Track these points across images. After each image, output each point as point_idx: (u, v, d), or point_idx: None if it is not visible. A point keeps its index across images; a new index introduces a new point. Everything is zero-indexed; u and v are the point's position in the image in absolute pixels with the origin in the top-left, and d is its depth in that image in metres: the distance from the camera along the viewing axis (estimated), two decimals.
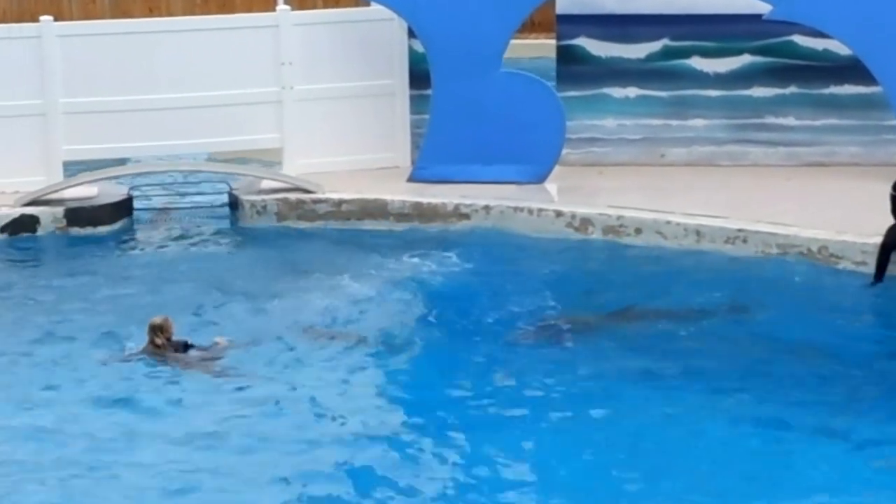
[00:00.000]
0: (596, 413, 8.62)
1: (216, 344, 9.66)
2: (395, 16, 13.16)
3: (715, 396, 8.80)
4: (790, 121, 13.46)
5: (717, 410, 8.61)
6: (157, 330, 9.56)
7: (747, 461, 7.93)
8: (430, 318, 10.34)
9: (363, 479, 7.75)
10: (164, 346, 9.50)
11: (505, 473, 7.86)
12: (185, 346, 9.58)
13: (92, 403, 8.80)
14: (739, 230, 11.58)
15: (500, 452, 8.13)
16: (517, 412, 8.70)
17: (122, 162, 13.59)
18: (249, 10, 16.23)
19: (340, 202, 12.65)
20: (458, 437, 8.36)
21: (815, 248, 11.25)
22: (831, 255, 11.20)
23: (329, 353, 9.61)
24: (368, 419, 8.53)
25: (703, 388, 8.93)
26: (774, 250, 11.38)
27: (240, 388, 9.04)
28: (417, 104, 13.52)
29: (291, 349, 9.65)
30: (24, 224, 12.31)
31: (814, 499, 7.48)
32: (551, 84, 13.30)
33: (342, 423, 8.47)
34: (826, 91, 13.39)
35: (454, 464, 8.02)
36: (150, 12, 18.08)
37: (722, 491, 7.58)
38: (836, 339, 9.83)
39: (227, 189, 13.12)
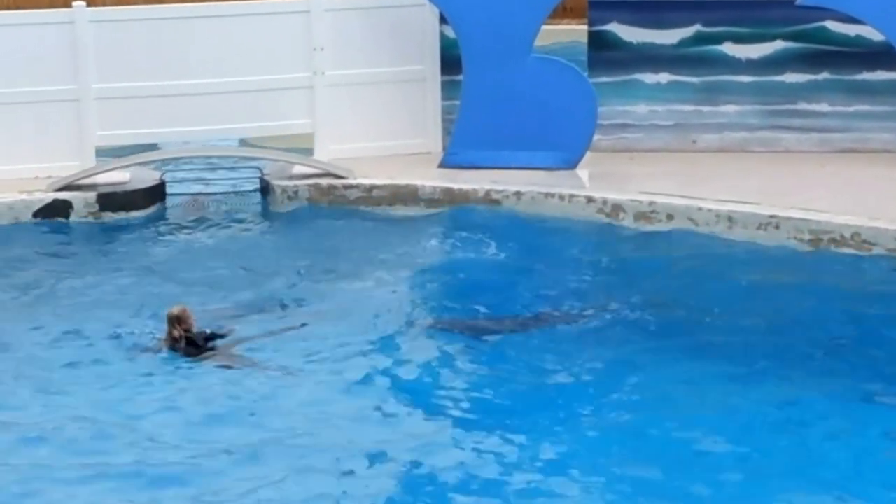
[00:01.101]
0: (620, 396, 8.62)
1: (231, 330, 9.55)
2: (426, 1, 13.15)
3: (744, 380, 8.79)
4: (823, 107, 13.41)
5: (745, 393, 8.59)
6: (174, 321, 9.35)
7: (779, 447, 7.91)
8: (459, 304, 10.34)
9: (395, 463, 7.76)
10: (180, 338, 9.29)
11: (531, 456, 7.87)
12: (207, 338, 9.38)
13: (105, 396, 8.74)
14: (771, 216, 11.54)
15: (525, 435, 8.16)
16: (539, 395, 8.70)
17: (154, 147, 13.65)
18: None
19: (371, 188, 12.66)
20: (491, 420, 8.37)
21: (847, 235, 11.21)
22: (864, 241, 11.15)
23: (360, 340, 9.60)
24: (404, 403, 8.54)
25: (732, 372, 8.92)
26: (807, 236, 11.34)
27: (268, 380, 8.98)
28: (449, 90, 13.52)
29: (323, 336, 9.65)
30: (57, 209, 12.37)
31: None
32: (583, 70, 13.28)
33: (382, 409, 8.46)
34: (859, 77, 13.33)
35: (485, 444, 8.06)
36: None
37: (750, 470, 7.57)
38: (868, 325, 9.80)
39: (259, 174, 13.16)
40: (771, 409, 8.41)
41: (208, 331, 9.48)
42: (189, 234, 12.21)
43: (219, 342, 9.44)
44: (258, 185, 13.09)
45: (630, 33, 13.51)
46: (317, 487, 7.53)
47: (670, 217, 11.87)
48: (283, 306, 10.25)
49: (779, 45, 13.39)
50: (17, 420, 8.40)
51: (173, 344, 9.35)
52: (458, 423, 8.34)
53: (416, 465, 7.80)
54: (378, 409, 8.49)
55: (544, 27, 13.11)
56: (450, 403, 8.61)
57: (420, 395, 8.70)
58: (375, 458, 7.85)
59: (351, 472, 7.67)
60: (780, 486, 7.43)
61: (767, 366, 9.06)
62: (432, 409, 8.52)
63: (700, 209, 11.81)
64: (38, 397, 8.79)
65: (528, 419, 8.39)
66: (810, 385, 8.79)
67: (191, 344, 9.31)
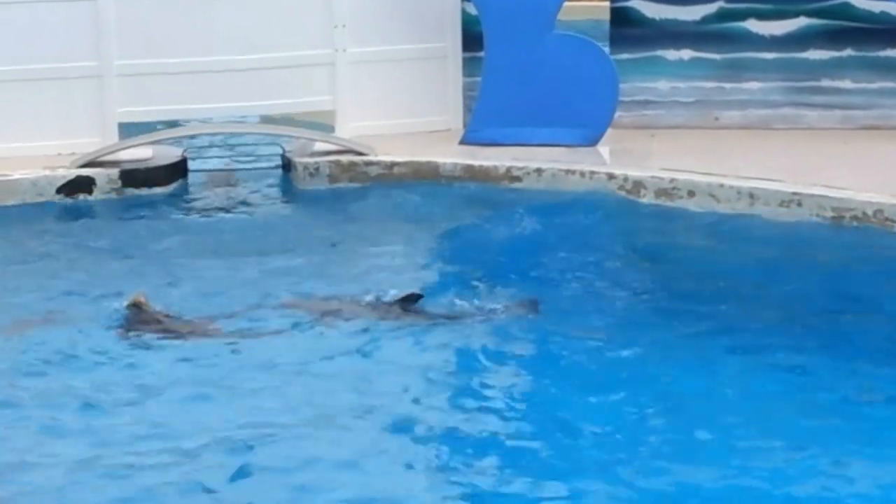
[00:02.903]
0: (636, 370, 8.61)
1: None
2: None
3: (763, 357, 8.76)
4: (846, 84, 13.36)
5: (764, 369, 8.58)
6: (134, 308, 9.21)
7: (798, 424, 7.90)
8: (478, 279, 10.34)
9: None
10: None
11: (542, 428, 7.87)
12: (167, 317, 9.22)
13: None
14: (794, 193, 11.51)
15: (535, 404, 8.20)
16: (554, 368, 8.70)
17: (176, 124, 13.69)
18: None
19: (392, 165, 12.67)
20: (503, 396, 8.38)
21: (870, 212, 11.17)
22: (887, 218, 11.11)
23: (378, 315, 9.59)
24: (416, 381, 8.53)
25: (751, 349, 8.88)
26: (829, 213, 11.31)
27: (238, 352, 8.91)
28: (470, 67, 13.51)
29: (342, 311, 9.64)
30: (80, 185, 12.41)
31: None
32: (605, 46, 13.25)
33: (391, 388, 8.45)
34: (882, 54, 13.28)
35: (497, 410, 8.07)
36: None
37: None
38: (891, 302, 9.76)
39: (280, 151, 13.18)
40: (790, 386, 8.39)
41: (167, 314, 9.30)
42: (210, 209, 12.25)
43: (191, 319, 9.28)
44: (279, 162, 13.11)
45: (652, 10, 13.48)
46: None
47: (692, 194, 11.85)
48: (301, 280, 10.26)
49: (802, 21, 13.34)
50: (33, 394, 8.43)
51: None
52: (470, 400, 8.33)
53: (429, 436, 7.79)
54: (396, 390, 8.49)
55: (566, 3, 13.09)
56: (467, 382, 8.60)
57: (431, 370, 8.68)
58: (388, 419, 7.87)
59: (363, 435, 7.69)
60: (797, 463, 7.43)
61: (787, 343, 9.02)
62: (439, 384, 8.50)
63: (722, 186, 11.78)
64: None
65: (540, 391, 8.41)
66: (831, 363, 8.75)
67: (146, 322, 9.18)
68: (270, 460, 7.40)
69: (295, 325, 9.28)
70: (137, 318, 9.16)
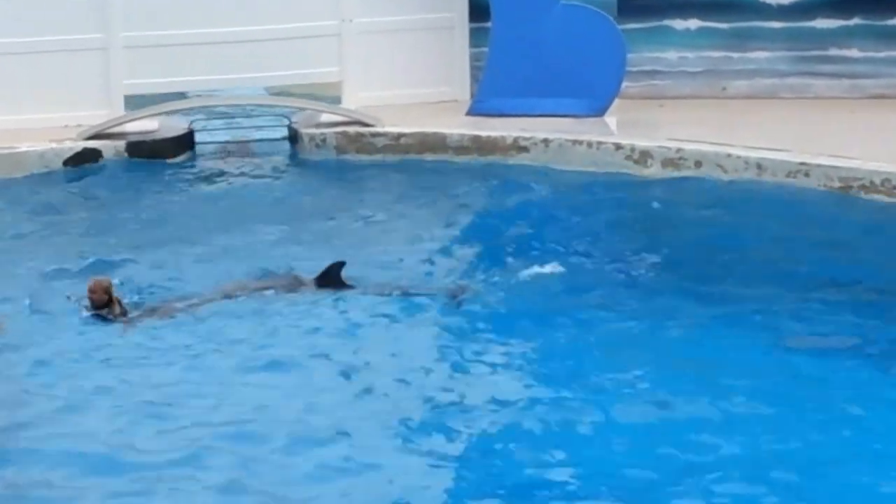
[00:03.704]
0: (643, 341, 8.61)
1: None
2: None
3: (770, 327, 8.76)
4: (853, 52, 13.31)
5: (771, 340, 8.57)
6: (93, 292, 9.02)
7: (806, 397, 7.91)
8: (486, 251, 10.34)
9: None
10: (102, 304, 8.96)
11: (546, 401, 7.87)
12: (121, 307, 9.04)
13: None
14: (801, 163, 11.48)
15: (541, 378, 8.19)
16: (560, 338, 8.71)
17: (182, 96, 13.67)
18: None
19: (399, 136, 12.65)
20: (512, 366, 8.39)
21: (878, 181, 11.14)
22: (894, 187, 11.08)
23: (385, 289, 9.58)
24: (419, 356, 8.53)
25: (758, 320, 8.87)
26: (836, 183, 11.28)
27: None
28: (476, 37, 13.48)
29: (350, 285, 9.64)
30: (87, 157, 12.41)
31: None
32: (612, 16, 13.21)
33: (399, 365, 8.45)
34: (890, 22, 13.23)
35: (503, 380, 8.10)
36: None
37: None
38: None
39: (287, 122, 13.17)
40: (797, 357, 8.39)
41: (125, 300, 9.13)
42: (217, 181, 12.24)
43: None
44: (286, 134, 13.10)
45: None
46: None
47: (699, 164, 11.82)
48: (307, 252, 10.25)
49: None
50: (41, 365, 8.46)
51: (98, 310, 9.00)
52: (470, 370, 8.34)
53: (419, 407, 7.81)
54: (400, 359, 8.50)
55: None
56: (461, 353, 8.59)
57: (432, 343, 8.68)
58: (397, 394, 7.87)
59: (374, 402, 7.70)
60: (804, 437, 7.44)
61: (795, 314, 9.02)
62: (445, 358, 8.51)
63: (729, 156, 11.75)
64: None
65: (547, 362, 8.41)
66: (839, 334, 8.75)
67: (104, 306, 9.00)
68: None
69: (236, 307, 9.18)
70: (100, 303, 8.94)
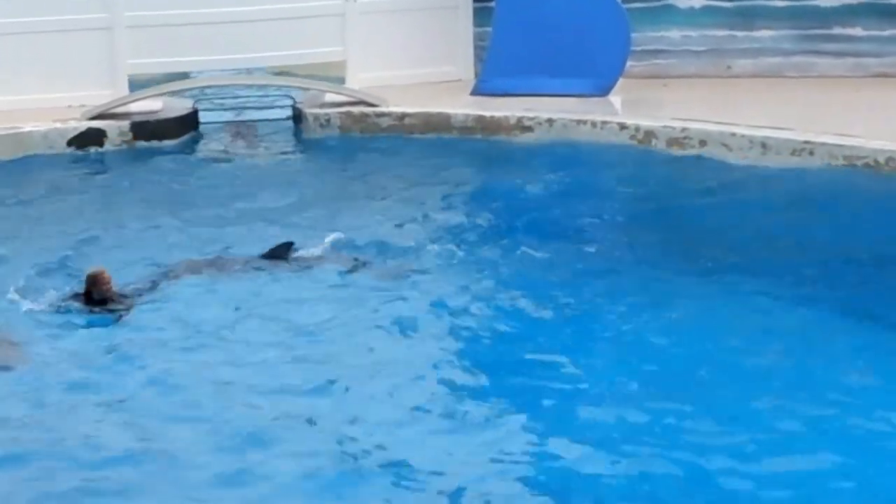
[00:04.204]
0: (647, 318, 8.62)
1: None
2: None
3: (773, 304, 8.76)
4: (857, 31, 13.29)
5: (773, 316, 8.59)
6: (91, 282, 8.76)
7: (810, 371, 7.94)
8: (490, 231, 10.34)
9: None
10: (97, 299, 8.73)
11: (552, 377, 7.90)
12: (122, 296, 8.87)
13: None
14: (805, 142, 11.47)
15: (546, 354, 8.20)
16: (563, 317, 8.73)
17: (186, 76, 13.67)
18: None
19: (403, 116, 12.65)
20: (519, 341, 8.41)
21: (882, 160, 11.13)
22: None
23: (389, 266, 9.59)
24: (426, 333, 8.54)
25: (762, 296, 8.88)
26: (841, 162, 11.27)
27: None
28: (480, 17, 13.46)
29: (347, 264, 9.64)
30: (91, 137, 12.41)
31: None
32: None
33: (409, 338, 8.47)
34: (894, 1, 13.20)
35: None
36: None
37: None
38: None
39: (291, 102, 13.16)
40: (801, 332, 8.41)
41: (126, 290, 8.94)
42: (221, 162, 12.25)
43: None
44: (290, 114, 13.10)
45: None
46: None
47: (703, 143, 11.82)
48: (311, 231, 10.25)
49: None
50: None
51: (87, 302, 8.76)
52: (476, 345, 8.38)
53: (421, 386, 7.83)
54: (408, 335, 8.50)
55: None
56: (469, 329, 8.62)
57: (438, 321, 8.69)
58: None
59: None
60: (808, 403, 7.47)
61: (798, 290, 9.03)
62: (451, 332, 8.53)
63: (733, 135, 11.74)
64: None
65: (553, 339, 8.42)
66: (841, 309, 8.75)
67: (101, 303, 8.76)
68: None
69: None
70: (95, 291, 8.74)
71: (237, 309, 8.78)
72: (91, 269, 8.91)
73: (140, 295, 8.95)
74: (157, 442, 7.13)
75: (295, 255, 9.54)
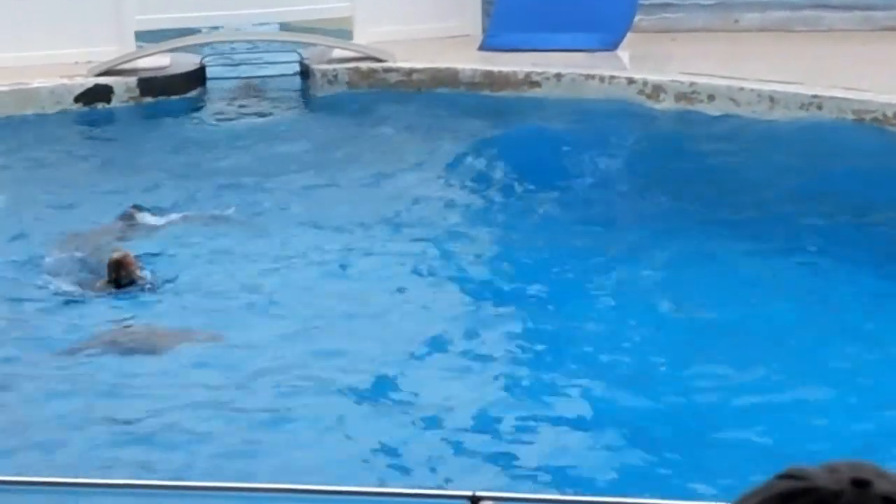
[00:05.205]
0: (654, 273, 8.65)
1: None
2: None
3: (781, 258, 8.79)
4: None
5: (782, 269, 8.61)
6: (114, 267, 8.48)
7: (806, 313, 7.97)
8: (497, 185, 10.34)
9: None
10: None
11: (553, 326, 7.95)
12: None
13: None
14: (814, 96, 11.43)
15: (549, 305, 8.26)
16: (567, 269, 8.74)
17: (193, 32, 13.63)
18: None
19: (411, 71, 12.61)
20: (527, 297, 8.44)
21: (890, 114, 11.09)
22: None
23: (395, 228, 9.59)
24: (434, 289, 8.56)
25: (770, 250, 8.90)
26: (849, 116, 11.24)
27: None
28: None
29: (359, 222, 9.64)
30: (98, 94, 12.39)
31: None
32: None
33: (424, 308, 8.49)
34: None
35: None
36: None
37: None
38: None
39: (299, 58, 13.13)
40: (806, 283, 8.42)
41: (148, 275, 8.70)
42: (228, 117, 12.24)
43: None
44: (297, 70, 13.07)
45: None
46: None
47: (711, 98, 11.78)
48: (318, 190, 10.27)
49: None
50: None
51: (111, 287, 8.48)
52: (488, 296, 8.40)
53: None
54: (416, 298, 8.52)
55: None
56: (472, 280, 8.65)
57: (445, 269, 8.72)
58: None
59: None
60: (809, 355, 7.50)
61: (805, 245, 9.04)
62: (459, 288, 8.57)
63: (742, 89, 11.70)
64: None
65: (556, 291, 8.47)
66: (850, 263, 8.76)
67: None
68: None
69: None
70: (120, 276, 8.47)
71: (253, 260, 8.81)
72: (114, 255, 8.51)
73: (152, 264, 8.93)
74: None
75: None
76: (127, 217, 9.57)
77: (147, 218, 9.57)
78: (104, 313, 8.29)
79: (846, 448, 6.45)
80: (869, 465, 1.91)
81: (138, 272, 8.56)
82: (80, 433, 6.84)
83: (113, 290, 8.48)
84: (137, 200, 10.02)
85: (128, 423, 6.94)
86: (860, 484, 1.87)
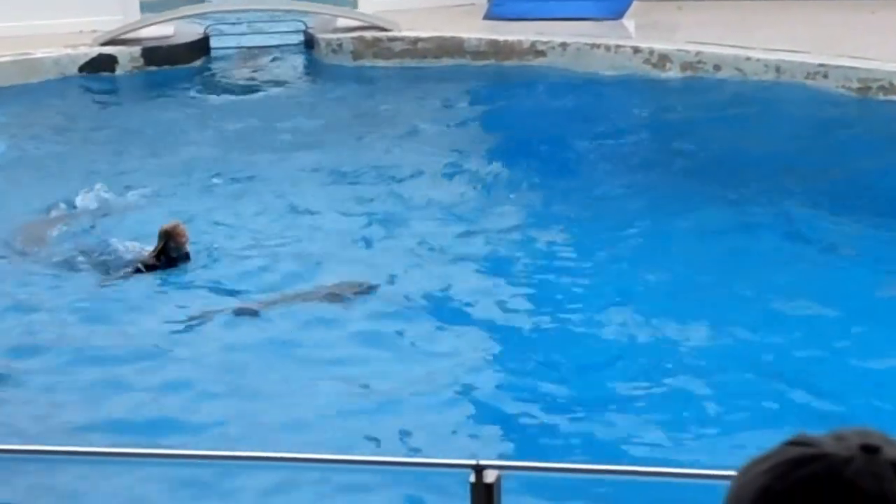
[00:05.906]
0: (660, 239, 8.66)
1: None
2: None
3: (788, 227, 8.77)
4: None
5: (788, 237, 8.60)
6: (167, 237, 8.19)
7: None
8: (502, 155, 10.32)
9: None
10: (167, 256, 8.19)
11: (552, 287, 7.95)
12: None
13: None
14: (820, 65, 11.39)
15: (550, 274, 8.26)
16: (567, 235, 8.75)
17: (197, 1, 13.59)
18: None
19: (416, 40, 12.58)
20: (526, 261, 8.45)
21: None
22: None
23: (398, 196, 9.57)
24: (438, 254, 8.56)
25: (776, 220, 8.88)
26: (855, 84, 11.20)
27: None
28: None
29: (365, 191, 9.62)
30: (103, 63, 12.37)
31: None
32: None
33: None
34: None
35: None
36: None
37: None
38: None
39: (303, 28, 13.10)
40: (814, 250, 8.42)
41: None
42: (233, 87, 12.22)
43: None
44: (302, 39, 13.03)
45: None
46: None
47: (717, 67, 11.75)
48: (323, 158, 10.25)
49: None
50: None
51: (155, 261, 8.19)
52: (493, 262, 8.41)
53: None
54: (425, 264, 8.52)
55: None
56: (479, 250, 8.65)
57: (453, 244, 8.72)
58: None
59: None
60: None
61: (813, 214, 9.01)
62: (466, 255, 8.56)
63: (748, 58, 11.67)
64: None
65: (559, 260, 8.47)
66: (858, 232, 8.75)
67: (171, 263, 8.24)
68: None
69: None
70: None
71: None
72: (168, 223, 8.23)
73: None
74: None
75: None
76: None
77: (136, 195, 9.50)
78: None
79: (862, 413, 6.47)
80: (876, 432, 1.92)
81: (187, 245, 8.25)
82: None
83: (156, 262, 8.17)
84: (141, 168, 10.02)
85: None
86: (870, 450, 1.88)
